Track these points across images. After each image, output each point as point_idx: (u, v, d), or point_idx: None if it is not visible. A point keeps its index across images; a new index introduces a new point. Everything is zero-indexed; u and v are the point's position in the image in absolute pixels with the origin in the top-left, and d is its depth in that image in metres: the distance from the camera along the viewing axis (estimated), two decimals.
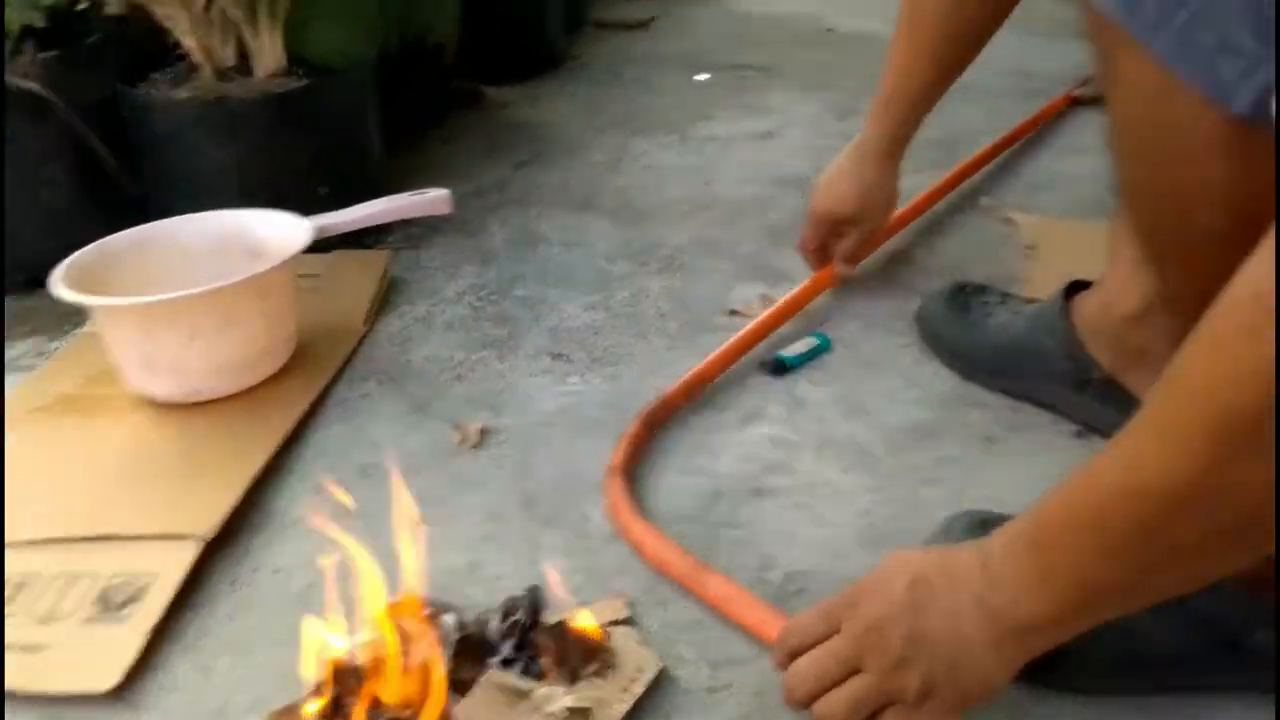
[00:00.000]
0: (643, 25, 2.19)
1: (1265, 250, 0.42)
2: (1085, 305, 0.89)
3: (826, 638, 0.58)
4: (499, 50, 1.83)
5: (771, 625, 0.65)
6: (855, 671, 0.57)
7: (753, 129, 1.56)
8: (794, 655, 0.60)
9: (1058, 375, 0.89)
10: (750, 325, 0.99)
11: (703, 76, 1.82)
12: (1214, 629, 0.61)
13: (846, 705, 0.57)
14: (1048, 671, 0.62)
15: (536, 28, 1.87)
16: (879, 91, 1.00)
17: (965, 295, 1.00)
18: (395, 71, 1.40)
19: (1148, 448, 0.47)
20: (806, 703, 0.59)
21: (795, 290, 1.05)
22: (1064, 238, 1.19)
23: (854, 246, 1.05)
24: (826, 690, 0.58)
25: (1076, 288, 0.91)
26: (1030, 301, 0.97)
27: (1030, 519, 0.53)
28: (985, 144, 1.41)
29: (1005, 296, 1.00)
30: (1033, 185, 1.34)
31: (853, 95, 1.66)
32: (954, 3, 0.92)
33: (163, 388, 0.92)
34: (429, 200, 1.09)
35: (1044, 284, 1.08)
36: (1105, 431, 0.85)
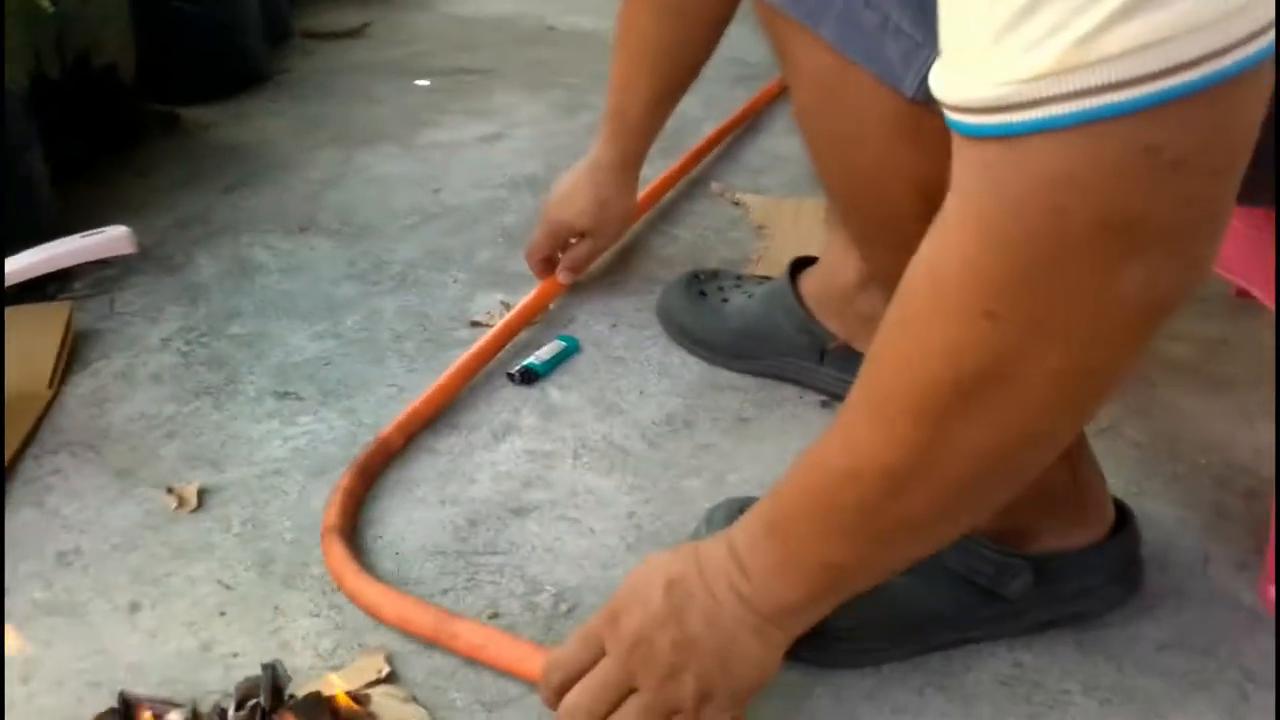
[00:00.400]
0: (356, 33, 2.08)
1: (936, 230, 0.42)
2: (810, 280, 0.91)
3: (592, 664, 0.55)
4: (192, 68, 1.67)
5: (533, 661, 0.61)
6: (629, 692, 0.54)
7: (479, 132, 1.51)
8: (562, 691, 0.56)
9: (796, 350, 0.90)
10: (477, 344, 0.93)
11: (423, 82, 1.75)
12: (971, 583, 0.63)
13: None
14: (820, 651, 0.62)
15: (232, 41, 1.72)
16: (606, 108, 0.98)
17: (700, 283, 1.00)
18: (62, 99, 1.24)
19: (860, 429, 0.47)
20: None
21: (522, 302, 1.00)
22: (791, 215, 1.22)
23: (582, 256, 1.03)
24: (604, 718, 0.55)
25: (801, 264, 0.93)
26: (765, 280, 0.98)
27: (767, 505, 0.53)
28: (708, 130, 1.44)
29: (739, 279, 1.01)
30: (755, 168, 1.37)
31: (577, 92, 1.65)
32: (662, 24, 0.91)
33: None
34: (106, 240, 0.96)
35: (777, 262, 1.09)
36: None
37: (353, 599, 0.69)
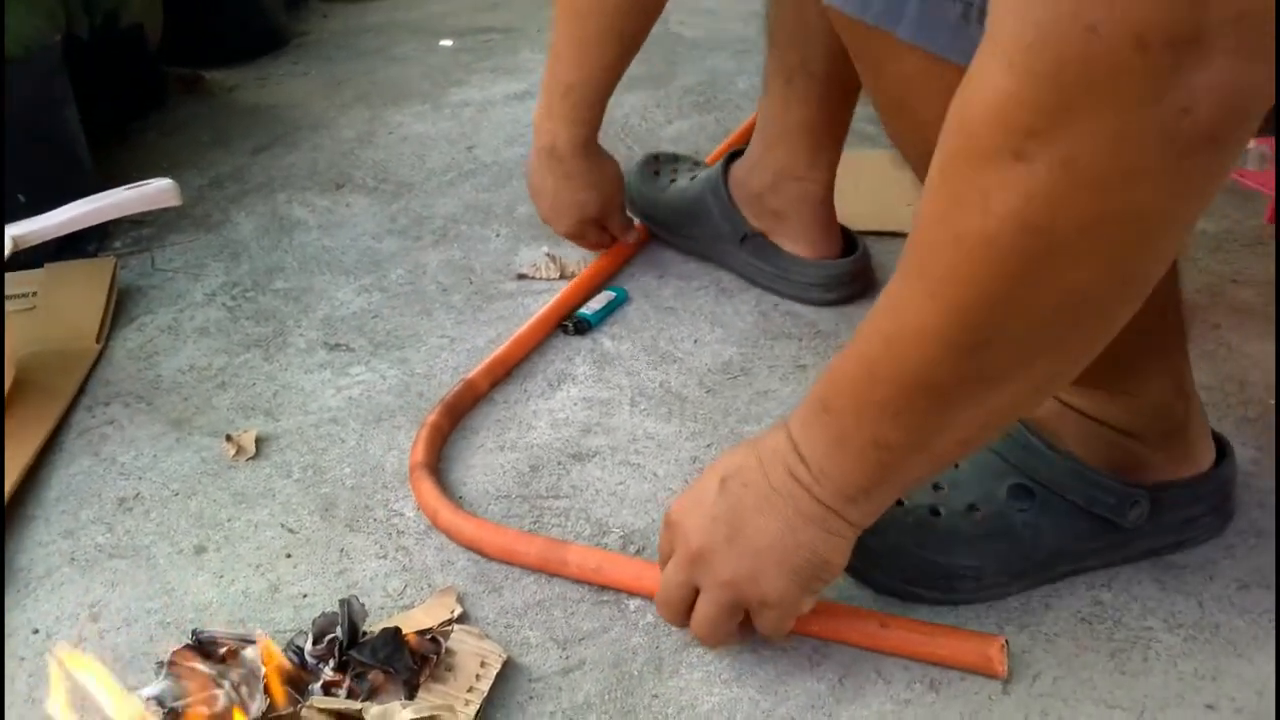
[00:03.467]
0: None
1: (968, 76, 0.41)
2: (736, 172, 0.97)
3: None
4: (214, 31, 1.66)
5: (649, 578, 0.62)
6: (698, 591, 0.56)
7: (508, 90, 1.49)
8: None
9: (721, 234, 0.96)
10: (552, 301, 0.93)
11: (446, 42, 1.73)
12: (1091, 514, 0.62)
13: (703, 628, 0.57)
14: (946, 592, 0.63)
15: (252, 4, 1.70)
16: (552, 87, 0.89)
17: (658, 163, 1.06)
18: (91, 60, 1.23)
19: (903, 289, 0.46)
20: (681, 626, 0.59)
21: (594, 261, 1.00)
22: (854, 170, 1.19)
23: (620, 231, 1.00)
24: (686, 615, 0.57)
25: (736, 156, 0.98)
26: None
27: (820, 383, 0.52)
28: (741, 84, 1.42)
29: (697, 165, 1.05)
30: None
31: None
32: None
33: None
34: (152, 192, 0.94)
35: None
36: (765, 284, 0.95)
37: (450, 534, 0.69)
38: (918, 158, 0.57)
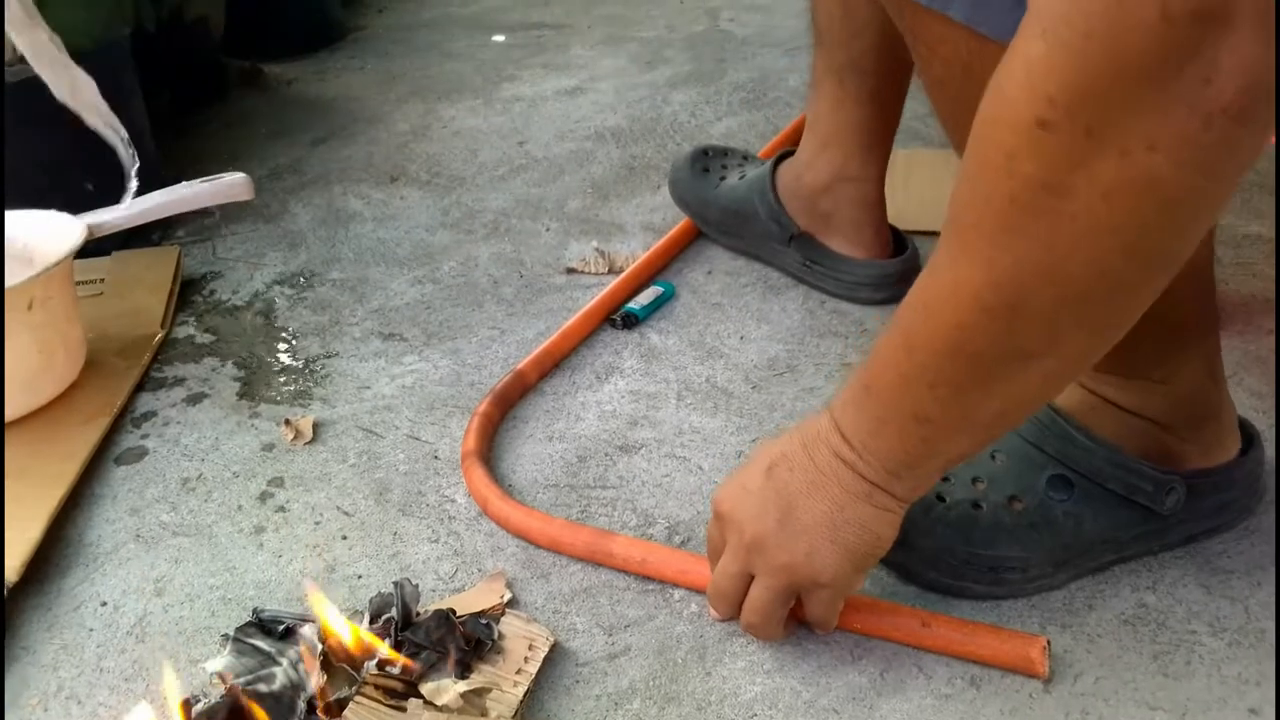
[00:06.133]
0: None
1: (1007, 54, 0.42)
2: (785, 174, 0.97)
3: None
4: (274, 25, 1.70)
5: (695, 571, 0.64)
6: (753, 578, 0.57)
7: (560, 86, 1.51)
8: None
9: (769, 234, 0.98)
10: (601, 295, 0.95)
11: (499, 38, 1.75)
12: (1130, 502, 0.63)
13: (758, 615, 0.58)
14: (994, 585, 0.63)
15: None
16: None
17: (706, 159, 1.06)
18: (157, 53, 1.26)
19: (939, 257, 0.47)
20: (731, 618, 0.60)
21: (659, 242, 1.03)
22: (902, 169, 1.19)
23: None
24: (739, 606, 0.58)
25: (786, 156, 0.99)
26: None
27: (863, 364, 0.53)
28: (792, 82, 1.42)
29: (746, 158, 1.07)
30: None
31: (654, 45, 1.64)
32: None
33: None
34: (226, 185, 0.97)
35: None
36: (814, 282, 0.96)
37: (499, 522, 0.71)
38: (966, 140, 0.57)
